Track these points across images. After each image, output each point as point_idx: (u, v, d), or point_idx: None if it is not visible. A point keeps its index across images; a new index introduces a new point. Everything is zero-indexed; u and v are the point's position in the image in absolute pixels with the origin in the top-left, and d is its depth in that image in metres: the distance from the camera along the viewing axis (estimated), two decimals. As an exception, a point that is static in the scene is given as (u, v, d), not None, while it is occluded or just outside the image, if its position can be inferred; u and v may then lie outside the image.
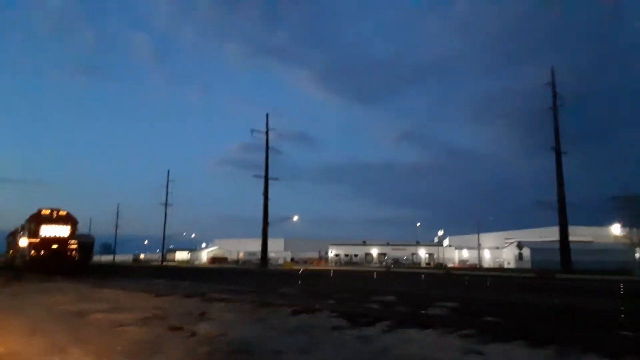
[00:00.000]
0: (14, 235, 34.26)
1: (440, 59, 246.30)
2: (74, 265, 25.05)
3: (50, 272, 23.04)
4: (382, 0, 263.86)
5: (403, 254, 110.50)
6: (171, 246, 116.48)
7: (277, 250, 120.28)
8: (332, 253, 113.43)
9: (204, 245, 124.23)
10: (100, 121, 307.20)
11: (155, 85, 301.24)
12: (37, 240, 24.99)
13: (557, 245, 63.66)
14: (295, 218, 57.91)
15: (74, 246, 25.50)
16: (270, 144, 51.77)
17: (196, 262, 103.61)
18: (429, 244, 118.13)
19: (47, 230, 25.30)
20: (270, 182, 52.17)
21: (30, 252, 24.58)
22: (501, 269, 55.16)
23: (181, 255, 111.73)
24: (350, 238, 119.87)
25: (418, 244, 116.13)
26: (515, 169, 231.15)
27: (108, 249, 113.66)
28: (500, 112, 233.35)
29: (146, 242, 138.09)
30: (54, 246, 24.96)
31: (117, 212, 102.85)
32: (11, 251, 33.54)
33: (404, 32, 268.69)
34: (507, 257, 74.00)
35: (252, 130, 52.80)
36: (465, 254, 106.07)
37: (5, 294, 14.85)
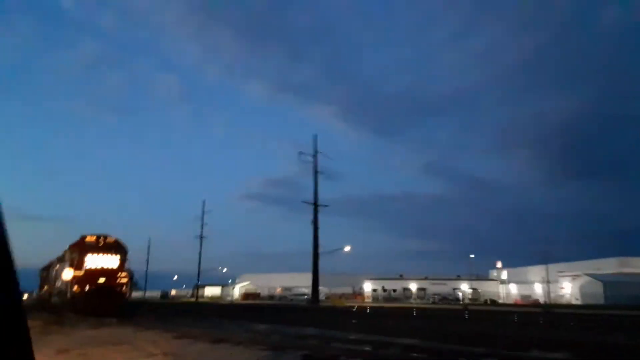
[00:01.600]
0: (48, 270, 30.15)
1: (459, 91, 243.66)
2: (123, 303, 20.80)
3: (97, 313, 18.64)
4: (401, 35, 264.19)
5: (443, 288, 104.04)
6: (197, 282, 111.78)
7: (308, 285, 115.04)
8: (368, 288, 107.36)
9: (230, 281, 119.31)
10: (130, 157, 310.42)
11: (181, 122, 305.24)
12: (81, 272, 20.70)
13: (636, 279, 57.13)
14: (347, 249, 52.71)
15: (125, 280, 21.21)
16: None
17: (228, 298, 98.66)
18: (470, 277, 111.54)
19: (93, 261, 21.08)
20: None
21: (72, 287, 20.34)
22: (586, 306, 48.56)
23: (212, 291, 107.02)
24: (379, 272, 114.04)
25: (459, 277, 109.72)
26: (540, 199, 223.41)
27: (135, 284, 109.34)
28: (521, 140, 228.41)
29: (175, 277, 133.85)
30: (102, 280, 20.73)
31: (149, 246, 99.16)
32: (46, 287, 29.39)
33: (423, 65, 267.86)
34: (573, 292, 67.23)
35: (300, 153, 48.88)
36: (514, 289, 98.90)
37: (50, 351, 10.21)
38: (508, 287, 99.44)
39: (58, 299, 22.76)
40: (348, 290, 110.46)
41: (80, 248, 21.42)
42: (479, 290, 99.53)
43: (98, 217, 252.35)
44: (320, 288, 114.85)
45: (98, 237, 21.98)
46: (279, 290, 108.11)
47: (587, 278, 63.73)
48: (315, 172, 49.34)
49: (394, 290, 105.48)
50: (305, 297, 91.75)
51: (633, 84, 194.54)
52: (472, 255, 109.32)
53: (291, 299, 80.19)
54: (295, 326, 17.02)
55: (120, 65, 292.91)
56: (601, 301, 56.06)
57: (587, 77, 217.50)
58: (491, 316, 27.37)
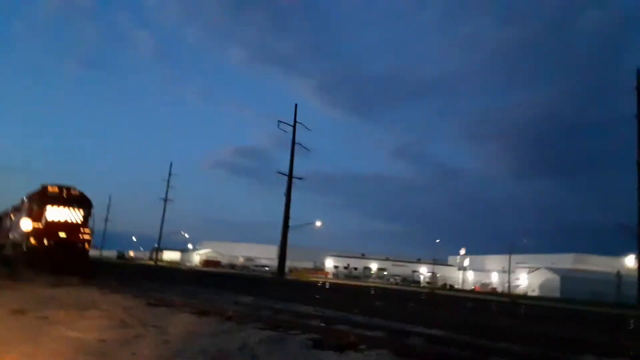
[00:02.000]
0: (1, 220, 27.96)
1: (439, 77, 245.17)
2: (85, 261, 19.08)
3: (56, 270, 17.00)
4: (389, 16, 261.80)
5: (403, 270, 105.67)
6: (155, 245, 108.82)
7: (271, 257, 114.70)
8: (330, 264, 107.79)
9: (190, 246, 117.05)
10: (99, 114, 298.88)
11: (156, 82, 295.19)
12: (41, 225, 18.78)
13: (594, 276, 58.83)
14: (318, 224, 51.87)
15: (88, 236, 19.45)
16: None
17: (187, 264, 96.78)
18: (430, 261, 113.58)
19: (55, 213, 19.13)
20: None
21: (29, 239, 18.48)
22: (548, 299, 49.36)
23: (171, 256, 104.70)
24: (342, 249, 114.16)
25: (419, 261, 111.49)
26: (508, 191, 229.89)
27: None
28: (494, 132, 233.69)
29: (134, 239, 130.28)
30: (63, 234, 18.93)
31: (109, 205, 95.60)
32: (-4, 239, 27.27)
33: (407, 48, 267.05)
34: (531, 283, 68.99)
35: (280, 122, 47.02)
36: (471, 276, 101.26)
37: (2, 311, 8.74)
38: (465, 273, 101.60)
39: (12, 251, 20.86)
40: (309, 264, 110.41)
41: (41, 198, 19.45)
42: (438, 275, 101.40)
43: (60, 170, 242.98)
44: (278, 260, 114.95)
45: (61, 188, 20.07)
46: (240, 260, 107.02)
47: (546, 271, 65.45)
48: (293, 143, 47.80)
49: (355, 269, 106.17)
50: (266, 268, 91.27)
51: (605, 85, 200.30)
52: (437, 240, 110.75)
53: (253, 270, 79.27)
54: (270, 299, 15.90)
55: (95, 17, 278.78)
56: (557, 294, 57.66)
57: (561, 75, 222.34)
58: (461, 303, 26.96)
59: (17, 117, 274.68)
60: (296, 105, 49.20)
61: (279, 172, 48.09)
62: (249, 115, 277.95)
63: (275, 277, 46.59)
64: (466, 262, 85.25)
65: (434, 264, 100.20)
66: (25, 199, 21.08)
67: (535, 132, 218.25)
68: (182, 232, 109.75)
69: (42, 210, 19.08)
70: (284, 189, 47.73)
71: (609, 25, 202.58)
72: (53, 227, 18.82)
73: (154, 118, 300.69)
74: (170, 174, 75.38)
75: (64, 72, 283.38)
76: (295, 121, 49.05)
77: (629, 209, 36.23)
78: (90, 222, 19.89)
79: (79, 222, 19.43)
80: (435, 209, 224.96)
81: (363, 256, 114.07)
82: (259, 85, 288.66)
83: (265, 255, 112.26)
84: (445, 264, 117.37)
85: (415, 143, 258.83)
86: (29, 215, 19.38)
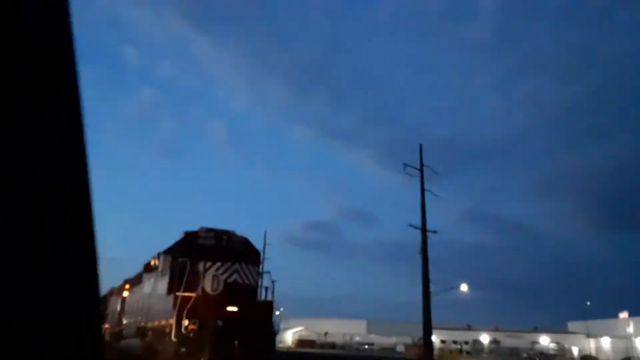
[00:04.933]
0: (110, 297, 21.79)
1: (502, 138, 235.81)
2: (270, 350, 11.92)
3: None
4: (445, 82, 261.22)
5: (518, 342, 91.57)
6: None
7: (359, 332, 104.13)
8: (434, 339, 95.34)
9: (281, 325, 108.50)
10: (180, 200, 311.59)
11: (228, 166, 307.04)
12: (196, 294, 11.92)
13: None
14: (464, 287, 42.63)
15: (268, 308, 12.42)
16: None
17: (280, 345, 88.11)
18: (550, 330, 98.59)
19: (216, 275, 12.48)
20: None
21: (180, 320, 11.71)
22: None
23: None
24: (439, 322, 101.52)
25: (536, 330, 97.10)
26: (590, 248, 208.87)
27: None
28: (564, 189, 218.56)
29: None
30: (232, 308, 12.05)
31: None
32: (108, 326, 20.86)
33: (466, 111, 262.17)
34: None
35: (405, 165, 39.91)
36: (607, 343, 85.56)
37: None
38: (600, 341, 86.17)
39: (146, 343, 14.21)
40: (406, 340, 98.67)
41: (191, 250, 13.00)
42: (566, 346, 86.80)
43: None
44: (373, 337, 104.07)
45: (219, 234, 13.67)
46: (338, 337, 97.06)
47: None
48: (422, 191, 40.12)
49: (466, 343, 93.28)
50: (366, 346, 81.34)
51: None
52: (588, 303, 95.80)
53: (357, 349, 69.75)
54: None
55: (174, 112, 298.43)
56: None
57: (626, 127, 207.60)
58: None
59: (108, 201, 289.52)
60: (421, 145, 42.07)
61: (411, 225, 40.21)
62: (312, 189, 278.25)
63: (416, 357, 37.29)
64: (630, 329, 71.10)
65: (553, 332, 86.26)
66: (160, 255, 14.61)
67: (603, 185, 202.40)
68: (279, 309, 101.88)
69: (196, 271, 12.39)
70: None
71: None
72: (217, 299, 11.98)
73: (227, 197, 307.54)
74: (265, 244, 69.09)
75: (148, 162, 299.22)
76: (421, 164, 41.72)
77: None
78: (267, 285, 12.99)
79: (253, 286, 12.53)
80: (518, 273, 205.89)
81: (469, 328, 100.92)
82: (322, 160, 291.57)
83: (354, 330, 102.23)
84: (565, 331, 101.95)
85: (481, 205, 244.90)
86: (174, 279, 12.76)
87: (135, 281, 19.36)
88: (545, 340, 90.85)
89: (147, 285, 16.51)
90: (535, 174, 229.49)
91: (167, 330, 12.98)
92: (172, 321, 12.06)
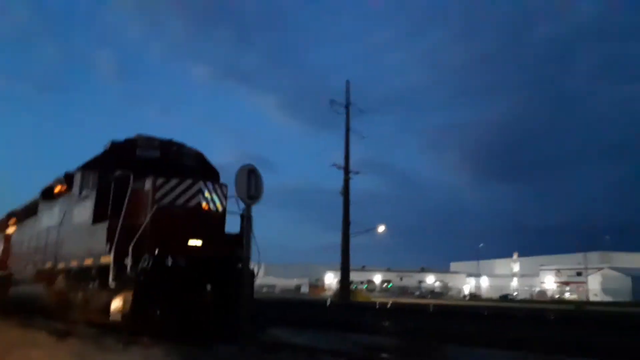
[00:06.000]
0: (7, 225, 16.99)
1: (404, 90, 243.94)
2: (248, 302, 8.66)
3: (182, 324, 7.08)
4: (352, 31, 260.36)
5: (409, 281, 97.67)
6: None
7: (277, 275, 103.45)
8: (330, 279, 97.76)
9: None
10: (59, 136, 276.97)
11: (116, 102, 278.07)
12: (142, 220, 8.26)
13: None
14: (382, 229, 42.11)
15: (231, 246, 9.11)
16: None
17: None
18: (437, 270, 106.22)
19: (167, 192, 8.78)
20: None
21: (125, 265, 8.00)
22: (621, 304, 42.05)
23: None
24: (326, 263, 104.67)
25: (423, 270, 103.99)
26: (469, 199, 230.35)
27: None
28: (454, 142, 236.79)
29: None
30: (195, 242, 8.64)
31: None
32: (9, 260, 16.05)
33: (370, 62, 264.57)
34: (592, 287, 61.67)
35: (332, 101, 37.17)
36: (485, 282, 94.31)
37: None
38: (479, 280, 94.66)
39: (56, 291, 10.40)
40: (304, 281, 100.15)
41: (128, 163, 9.24)
42: (449, 284, 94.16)
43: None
44: (266, 278, 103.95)
45: (163, 144, 10.14)
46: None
47: (612, 272, 58.55)
48: (347, 129, 37.91)
49: (362, 282, 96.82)
50: (265, 289, 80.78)
51: (559, 96, 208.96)
52: (481, 245, 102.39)
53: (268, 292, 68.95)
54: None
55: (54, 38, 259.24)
56: (627, 298, 50.74)
57: (518, 87, 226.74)
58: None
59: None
60: (348, 81, 39.45)
61: (335, 165, 38.15)
62: (209, 131, 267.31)
63: (340, 300, 36.49)
64: (516, 268, 77.69)
65: (438, 272, 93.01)
66: (77, 173, 10.69)
67: (490, 141, 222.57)
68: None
69: (140, 192, 8.85)
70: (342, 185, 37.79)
71: (560, 38, 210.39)
72: (175, 228, 8.58)
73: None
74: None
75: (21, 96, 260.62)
76: (348, 101, 39.28)
77: None
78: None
79: (220, 214, 9.29)
80: (407, 219, 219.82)
81: (363, 268, 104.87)
82: (223, 103, 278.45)
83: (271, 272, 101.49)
84: (448, 271, 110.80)
85: (379, 155, 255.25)
86: (100, 204, 9.13)
87: (25, 213, 14.76)
88: (431, 280, 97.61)
89: (49, 215, 12.25)
90: (430, 126, 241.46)
91: (94, 273, 9.30)
92: (108, 259, 8.44)
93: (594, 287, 60.23)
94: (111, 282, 8.12)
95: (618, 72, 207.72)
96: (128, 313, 7.80)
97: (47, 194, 13.03)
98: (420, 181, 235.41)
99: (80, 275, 9.92)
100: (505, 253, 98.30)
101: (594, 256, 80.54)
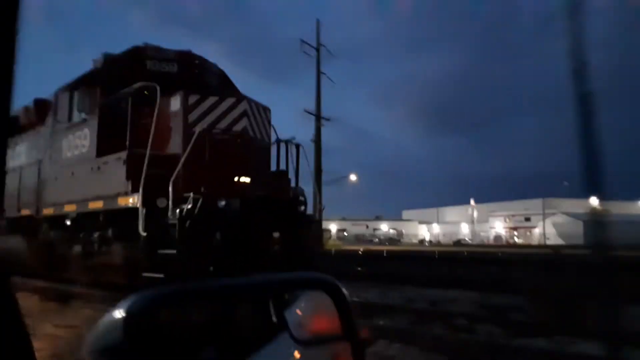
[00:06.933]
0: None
1: (351, 41, 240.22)
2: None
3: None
4: None
5: (363, 230, 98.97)
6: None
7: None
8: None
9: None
10: None
11: (45, 48, 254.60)
12: (178, 155, 6.06)
13: (616, 219, 54.94)
14: (353, 177, 40.91)
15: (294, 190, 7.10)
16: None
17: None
18: (389, 218, 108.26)
19: (212, 116, 6.58)
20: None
21: (156, 206, 5.85)
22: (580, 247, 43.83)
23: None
24: None
25: (378, 218, 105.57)
26: (421, 150, 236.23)
27: None
28: (402, 95, 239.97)
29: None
30: (245, 180, 6.59)
31: None
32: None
33: (317, 13, 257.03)
34: (540, 231, 64.25)
35: (302, 42, 34.54)
36: (437, 229, 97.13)
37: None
38: (431, 227, 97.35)
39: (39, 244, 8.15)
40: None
41: (141, 77, 6.89)
42: (404, 232, 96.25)
43: None
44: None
45: (180, 55, 7.96)
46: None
47: (565, 217, 60.89)
48: (318, 72, 35.65)
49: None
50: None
51: (505, 50, 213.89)
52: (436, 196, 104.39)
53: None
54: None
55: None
56: (580, 241, 53.07)
57: (465, 40, 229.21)
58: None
59: None
60: (318, 20, 36.68)
61: (306, 111, 35.98)
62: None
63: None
64: (475, 213, 79.52)
65: (391, 220, 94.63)
66: (63, 92, 8.31)
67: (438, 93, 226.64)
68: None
69: (166, 115, 6.67)
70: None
71: None
72: (216, 159, 6.51)
73: (44, 87, 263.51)
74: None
75: None
76: (318, 43, 36.69)
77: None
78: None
79: (267, 143, 7.33)
80: (359, 170, 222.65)
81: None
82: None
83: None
84: (400, 219, 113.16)
85: (329, 108, 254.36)
86: (119, 131, 6.94)
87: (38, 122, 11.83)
88: (385, 228, 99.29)
89: (18, 154, 9.56)
90: (379, 80, 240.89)
91: (103, 219, 7.09)
92: (129, 200, 6.25)
93: (547, 232, 63.09)
94: (142, 231, 6.03)
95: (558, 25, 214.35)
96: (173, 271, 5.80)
97: (27, 120, 10.25)
98: (371, 133, 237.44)
99: (79, 224, 7.69)
100: (452, 201, 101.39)
101: (538, 203, 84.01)
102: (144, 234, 6.03)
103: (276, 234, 6.47)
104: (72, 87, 8.10)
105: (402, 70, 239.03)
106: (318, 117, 36.21)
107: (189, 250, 5.79)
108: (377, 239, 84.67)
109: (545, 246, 50.16)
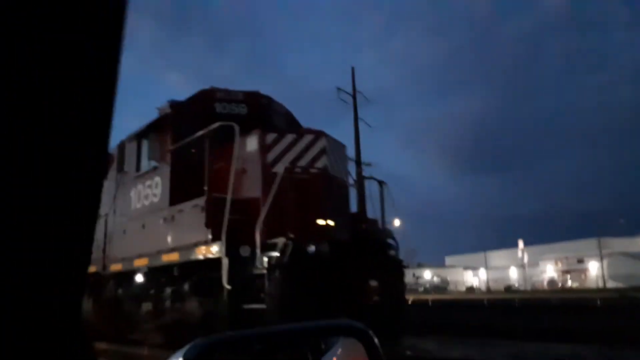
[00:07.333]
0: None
1: (377, 90, 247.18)
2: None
3: None
4: (324, 37, 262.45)
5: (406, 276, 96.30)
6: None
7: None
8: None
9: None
10: None
11: None
12: (259, 198, 5.56)
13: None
14: (397, 222, 39.71)
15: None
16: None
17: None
18: (431, 265, 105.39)
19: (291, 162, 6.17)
20: None
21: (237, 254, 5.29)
22: None
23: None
24: None
25: (420, 265, 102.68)
26: (453, 192, 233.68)
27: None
28: (431, 138, 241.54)
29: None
30: (329, 223, 6.00)
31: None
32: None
33: (344, 65, 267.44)
34: (596, 273, 60.47)
35: (338, 89, 34.86)
36: (484, 275, 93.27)
37: None
38: (478, 273, 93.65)
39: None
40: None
41: (198, 119, 6.47)
42: (448, 278, 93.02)
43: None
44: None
45: (248, 96, 7.66)
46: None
47: (622, 257, 57.43)
48: (356, 117, 35.59)
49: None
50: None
51: (531, 89, 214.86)
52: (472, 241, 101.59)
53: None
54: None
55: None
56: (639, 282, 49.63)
57: (492, 81, 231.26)
58: None
59: None
60: (353, 68, 37.09)
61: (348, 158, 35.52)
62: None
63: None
64: (525, 257, 76.15)
65: (434, 266, 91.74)
66: (132, 142, 8.04)
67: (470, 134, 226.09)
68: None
69: (242, 156, 6.18)
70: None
71: (532, 31, 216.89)
72: (299, 201, 5.94)
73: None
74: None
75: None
76: (354, 89, 36.89)
77: None
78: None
79: (344, 182, 6.75)
80: (395, 216, 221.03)
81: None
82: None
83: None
84: (443, 265, 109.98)
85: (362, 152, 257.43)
86: (186, 180, 6.48)
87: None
88: (427, 275, 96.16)
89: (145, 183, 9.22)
90: (405, 124, 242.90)
91: (177, 273, 6.58)
92: (210, 250, 5.71)
93: (602, 274, 59.22)
94: (226, 284, 5.44)
95: (584, 63, 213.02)
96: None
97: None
98: (403, 177, 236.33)
99: (149, 279, 7.21)
100: (493, 245, 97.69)
101: (591, 243, 79.89)
102: (229, 287, 5.44)
103: (373, 283, 5.79)
104: (140, 135, 7.88)
105: (436, 112, 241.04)
106: (358, 163, 35.73)
107: (281, 303, 5.16)
108: (422, 288, 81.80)
109: (607, 289, 47.01)
